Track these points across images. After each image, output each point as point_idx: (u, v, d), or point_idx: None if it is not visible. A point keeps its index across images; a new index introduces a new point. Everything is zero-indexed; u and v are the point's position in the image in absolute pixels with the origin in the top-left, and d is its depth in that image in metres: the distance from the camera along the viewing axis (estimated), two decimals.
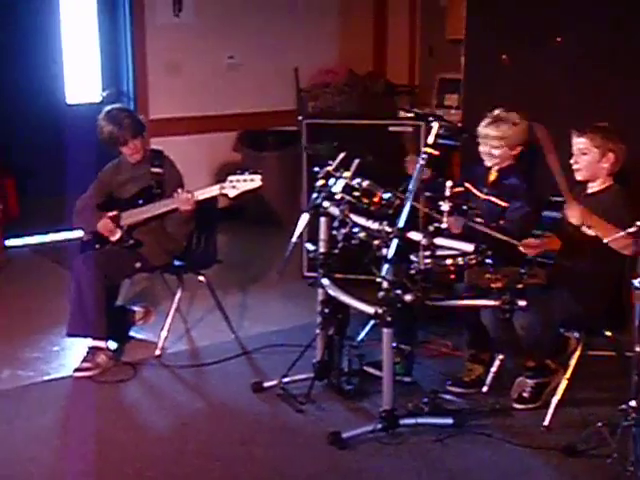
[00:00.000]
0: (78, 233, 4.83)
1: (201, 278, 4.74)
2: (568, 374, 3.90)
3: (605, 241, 3.56)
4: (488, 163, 4.27)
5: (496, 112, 4.28)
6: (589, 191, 3.96)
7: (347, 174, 3.93)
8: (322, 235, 4.11)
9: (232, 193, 4.40)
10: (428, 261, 3.63)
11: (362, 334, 4.32)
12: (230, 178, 4.41)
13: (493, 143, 4.19)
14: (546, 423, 3.85)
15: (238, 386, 4.27)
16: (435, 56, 7.60)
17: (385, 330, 3.70)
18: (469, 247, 3.57)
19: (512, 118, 4.22)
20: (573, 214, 3.65)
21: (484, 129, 4.24)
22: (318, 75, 7.61)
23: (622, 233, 3.47)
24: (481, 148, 4.27)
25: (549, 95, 5.25)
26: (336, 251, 4.02)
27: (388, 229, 3.68)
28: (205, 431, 3.90)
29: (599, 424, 3.57)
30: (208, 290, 4.79)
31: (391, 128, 5.40)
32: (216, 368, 4.49)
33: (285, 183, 6.75)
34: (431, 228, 3.61)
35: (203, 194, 4.44)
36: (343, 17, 7.83)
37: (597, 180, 3.93)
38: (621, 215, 3.69)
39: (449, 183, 3.73)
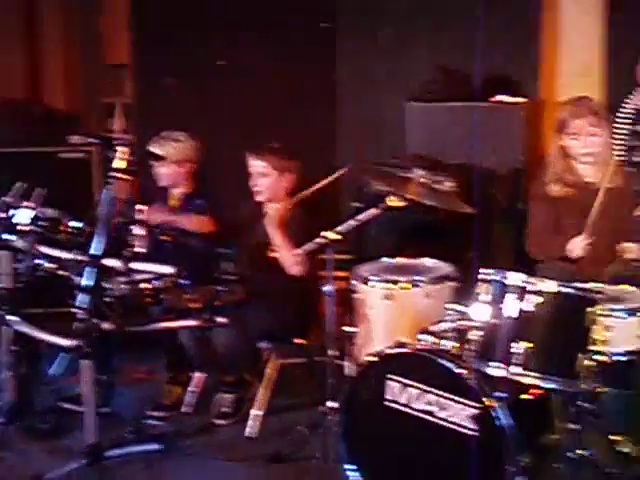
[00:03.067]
0: None
1: None
2: (265, 384, 4.05)
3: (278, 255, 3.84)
4: (163, 183, 4.33)
5: (163, 133, 4.37)
6: (271, 212, 4.13)
7: (29, 204, 3.74)
8: (4, 270, 3.87)
9: None
10: (124, 287, 3.57)
11: (54, 368, 4.12)
12: None
13: (161, 162, 4.27)
14: (249, 434, 3.95)
15: None
16: (96, 81, 7.46)
17: (84, 362, 3.56)
18: (167, 269, 3.57)
19: (175, 136, 4.33)
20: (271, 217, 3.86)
21: (150, 149, 4.31)
22: None
23: (299, 251, 3.71)
24: (155, 169, 4.33)
25: (218, 115, 5.43)
26: (21, 285, 3.81)
27: (81, 257, 3.56)
28: None
29: (300, 428, 3.75)
30: None
31: (62, 155, 5.23)
32: None
33: None
34: (127, 253, 3.56)
35: None
36: None
37: (278, 200, 4.11)
38: (301, 233, 3.91)
39: (140, 206, 3.71)
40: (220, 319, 3.64)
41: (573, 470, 3.17)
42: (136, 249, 3.64)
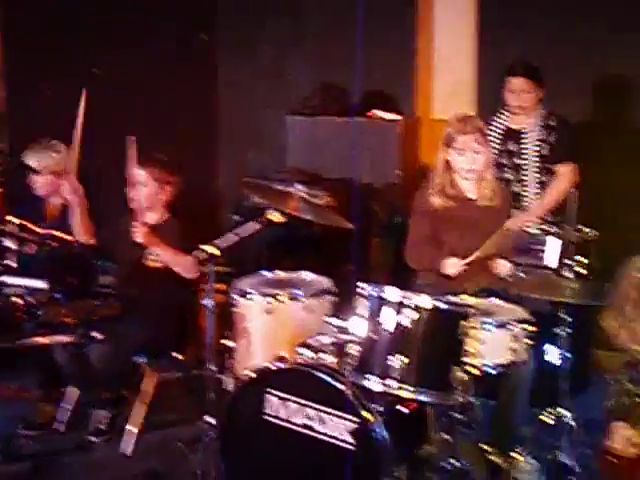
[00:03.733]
0: None
1: None
2: (143, 400, 3.98)
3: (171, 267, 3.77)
4: (39, 193, 4.22)
5: (41, 143, 4.27)
6: (150, 222, 4.09)
7: None
8: None
9: None
10: None
11: None
12: None
13: (38, 172, 4.16)
14: (126, 451, 3.88)
15: None
16: None
17: None
18: (40, 284, 3.48)
19: (54, 146, 4.24)
20: (138, 236, 3.80)
21: (26, 159, 4.21)
22: None
23: (188, 258, 3.69)
24: (30, 179, 4.23)
25: (95, 126, 5.30)
26: None
27: None
28: None
29: (179, 444, 3.70)
30: None
31: None
32: None
33: None
34: None
35: None
36: None
37: (154, 211, 4.08)
38: (177, 246, 3.89)
39: (11, 219, 3.60)
40: (95, 334, 3.57)
41: None
42: (7, 262, 3.53)
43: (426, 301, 3.04)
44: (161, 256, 3.85)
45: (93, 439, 4.00)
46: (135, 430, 3.91)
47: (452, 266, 3.67)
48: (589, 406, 3.77)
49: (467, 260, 3.65)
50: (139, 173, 4.01)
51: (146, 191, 4.01)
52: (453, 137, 3.74)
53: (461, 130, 3.73)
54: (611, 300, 2.47)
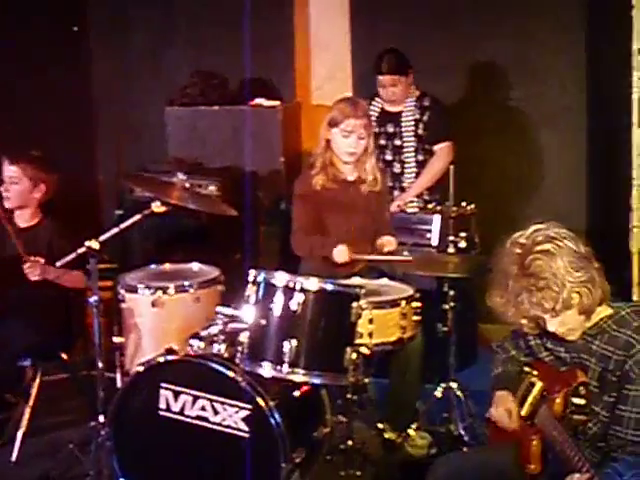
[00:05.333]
0: None
1: None
2: (30, 404, 3.86)
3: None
4: None
5: None
6: (22, 225, 3.97)
7: None
8: None
9: None
10: None
11: None
12: None
13: None
14: (14, 458, 3.76)
15: None
16: None
17: None
18: None
19: None
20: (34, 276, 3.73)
21: None
22: None
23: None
24: None
25: None
26: None
27: None
28: None
29: (70, 446, 3.60)
30: None
31: None
32: None
33: None
34: None
35: None
36: None
37: (27, 209, 3.97)
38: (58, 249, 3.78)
39: None
40: None
41: (344, 460, 3.29)
42: None
43: (313, 283, 3.05)
44: (59, 280, 3.77)
45: None
46: (24, 435, 3.79)
47: (340, 254, 3.67)
48: (477, 378, 3.88)
49: (356, 257, 3.67)
50: (11, 170, 3.90)
51: (18, 189, 3.91)
52: (341, 119, 3.75)
53: (351, 114, 3.74)
54: (494, 276, 2.52)
